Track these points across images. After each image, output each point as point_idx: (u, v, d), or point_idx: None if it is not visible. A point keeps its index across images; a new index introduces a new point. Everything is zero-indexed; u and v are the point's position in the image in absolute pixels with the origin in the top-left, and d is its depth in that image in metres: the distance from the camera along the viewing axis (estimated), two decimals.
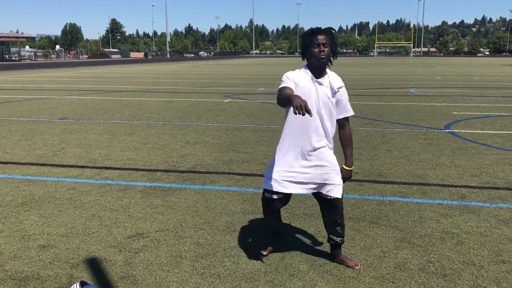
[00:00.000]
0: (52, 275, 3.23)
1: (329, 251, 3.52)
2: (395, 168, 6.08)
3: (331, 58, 3.18)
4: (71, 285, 3.03)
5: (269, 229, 3.65)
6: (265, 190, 3.34)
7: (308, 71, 3.20)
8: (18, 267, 3.34)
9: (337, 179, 3.26)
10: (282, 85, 3.12)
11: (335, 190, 3.24)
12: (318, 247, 3.69)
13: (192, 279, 3.17)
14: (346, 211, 4.45)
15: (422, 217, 4.34)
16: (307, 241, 3.81)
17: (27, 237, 3.87)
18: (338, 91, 3.20)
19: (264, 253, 3.54)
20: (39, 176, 5.75)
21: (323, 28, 3.13)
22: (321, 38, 3.07)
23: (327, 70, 3.23)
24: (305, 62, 3.28)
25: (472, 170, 6.01)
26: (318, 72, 3.18)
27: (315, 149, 3.22)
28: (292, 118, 3.21)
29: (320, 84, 3.16)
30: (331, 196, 3.24)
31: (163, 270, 3.31)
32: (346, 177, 3.34)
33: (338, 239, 3.37)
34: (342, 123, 3.32)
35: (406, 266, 3.36)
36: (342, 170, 3.32)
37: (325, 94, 3.17)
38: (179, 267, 3.35)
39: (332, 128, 3.28)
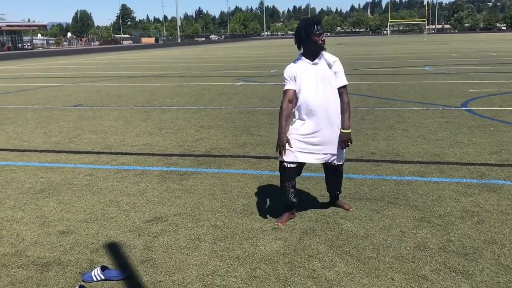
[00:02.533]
0: (73, 260, 3.27)
1: (348, 232, 3.59)
2: (412, 148, 6.00)
3: None
4: (92, 270, 3.06)
5: (285, 200, 3.81)
6: (282, 161, 3.68)
7: (304, 58, 3.65)
8: (39, 253, 3.39)
9: (340, 148, 3.74)
10: (285, 87, 3.68)
11: (339, 158, 3.75)
12: (336, 228, 3.67)
13: (211, 262, 3.19)
14: (364, 191, 4.44)
15: (441, 196, 4.28)
16: (325, 222, 3.79)
17: (47, 224, 3.91)
18: (334, 64, 3.62)
19: (279, 224, 3.70)
20: (56, 163, 5.81)
21: (318, 19, 3.60)
22: (320, 27, 3.54)
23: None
24: (300, 51, 3.71)
25: (491, 147, 5.91)
26: (314, 56, 3.62)
27: (327, 121, 3.61)
28: (304, 97, 3.61)
29: (317, 64, 3.61)
30: (335, 163, 3.76)
31: (182, 253, 3.32)
32: (345, 139, 3.67)
33: (338, 192, 4.02)
34: (340, 92, 3.67)
35: (426, 246, 3.33)
36: (340, 134, 3.66)
37: (323, 71, 3.60)
38: (198, 250, 3.36)
39: (337, 97, 3.66)
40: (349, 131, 3.66)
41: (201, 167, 5.44)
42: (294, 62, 3.69)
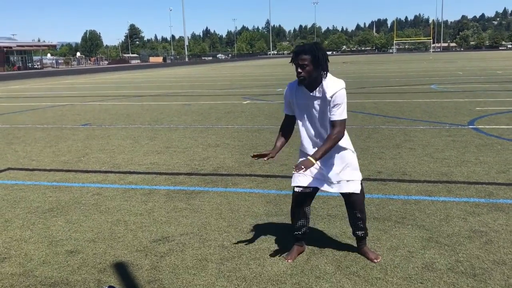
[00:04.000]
0: (81, 280, 3.27)
1: (355, 251, 3.58)
2: (419, 166, 5.99)
3: (322, 72, 3.19)
4: None
5: (295, 230, 3.57)
6: (293, 187, 3.47)
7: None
8: (47, 273, 3.40)
9: (353, 175, 3.39)
10: (284, 110, 3.48)
11: (351, 185, 3.38)
12: (343, 248, 3.65)
13: (218, 282, 3.18)
14: (371, 211, 4.41)
15: (449, 215, 4.26)
16: (332, 242, 3.78)
17: (55, 243, 3.93)
18: (331, 99, 3.19)
19: (289, 260, 3.47)
20: (65, 182, 5.85)
21: (303, 47, 3.18)
22: (300, 58, 3.15)
23: (324, 78, 3.22)
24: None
25: (499, 166, 5.89)
26: (309, 85, 3.24)
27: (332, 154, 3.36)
28: (301, 126, 3.40)
29: (314, 96, 3.25)
30: (348, 192, 3.39)
31: (189, 273, 3.32)
32: (304, 164, 3.12)
33: (359, 233, 3.53)
34: (331, 124, 3.25)
35: (434, 266, 3.30)
36: (305, 159, 3.21)
37: (320, 105, 3.26)
38: (205, 270, 3.36)
39: None
40: (314, 162, 3.17)
41: (208, 186, 5.46)
42: (290, 85, 3.39)
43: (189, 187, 5.44)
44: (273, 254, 3.58)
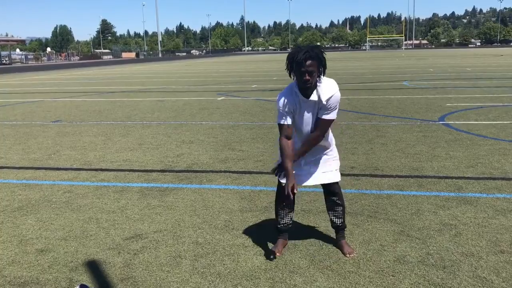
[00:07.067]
0: (52, 279, 3.21)
1: (328, 246, 3.61)
2: (391, 162, 6.09)
3: (320, 75, 3.10)
4: None
5: (279, 223, 3.59)
6: (281, 182, 3.43)
7: (297, 90, 3.15)
8: (17, 272, 3.32)
9: (334, 165, 3.46)
10: (281, 121, 3.18)
11: (333, 175, 3.45)
12: (317, 243, 3.69)
13: (192, 279, 3.17)
14: None
15: (420, 209, 4.35)
16: (306, 237, 3.81)
17: (24, 242, 3.84)
18: (326, 103, 3.11)
19: (278, 254, 3.48)
20: (35, 180, 5.72)
21: (309, 52, 2.99)
22: (307, 64, 2.99)
23: (319, 82, 3.13)
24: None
25: (468, 161, 6.03)
26: (306, 92, 3.13)
27: (312, 151, 3.38)
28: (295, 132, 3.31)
29: (307, 102, 3.15)
30: (335, 181, 3.47)
31: (163, 270, 3.30)
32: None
33: (338, 221, 3.56)
34: (317, 123, 3.22)
35: (406, 259, 3.36)
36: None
37: (312, 108, 3.18)
38: (179, 267, 3.34)
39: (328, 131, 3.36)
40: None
41: (182, 183, 5.42)
42: (287, 93, 3.18)
43: (163, 184, 5.40)
44: (247, 250, 3.59)
